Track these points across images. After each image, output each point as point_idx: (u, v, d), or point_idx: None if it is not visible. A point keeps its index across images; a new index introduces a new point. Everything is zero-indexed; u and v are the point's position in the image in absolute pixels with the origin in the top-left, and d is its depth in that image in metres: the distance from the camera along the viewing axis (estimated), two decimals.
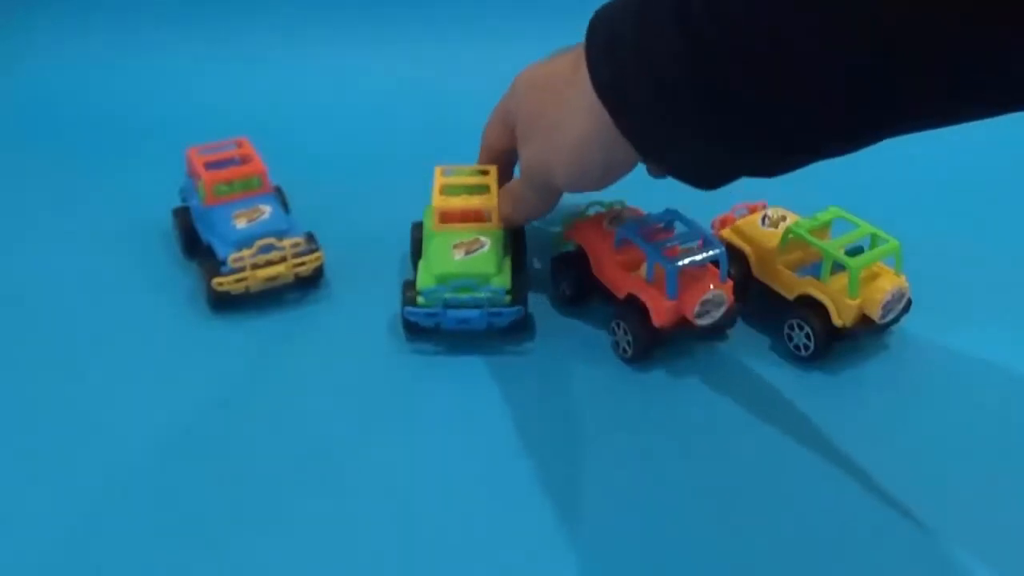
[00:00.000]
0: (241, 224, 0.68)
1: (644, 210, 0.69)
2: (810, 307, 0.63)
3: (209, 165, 0.71)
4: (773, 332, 0.66)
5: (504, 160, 0.69)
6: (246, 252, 0.66)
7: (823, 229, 0.67)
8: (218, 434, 0.59)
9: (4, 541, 0.52)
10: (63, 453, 0.57)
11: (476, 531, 0.53)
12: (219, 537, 0.52)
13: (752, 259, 0.67)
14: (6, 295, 0.70)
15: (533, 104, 0.60)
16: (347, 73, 0.96)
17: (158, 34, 0.98)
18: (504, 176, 0.69)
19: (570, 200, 0.71)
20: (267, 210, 0.70)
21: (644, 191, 0.70)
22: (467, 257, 0.65)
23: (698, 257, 0.62)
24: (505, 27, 0.97)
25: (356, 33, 0.98)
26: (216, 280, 0.66)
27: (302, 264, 0.68)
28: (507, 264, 0.66)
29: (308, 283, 0.70)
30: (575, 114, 0.54)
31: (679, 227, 0.66)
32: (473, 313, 0.64)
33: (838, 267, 0.63)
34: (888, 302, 0.62)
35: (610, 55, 0.49)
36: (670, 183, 0.69)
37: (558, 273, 0.70)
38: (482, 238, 0.66)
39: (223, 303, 0.67)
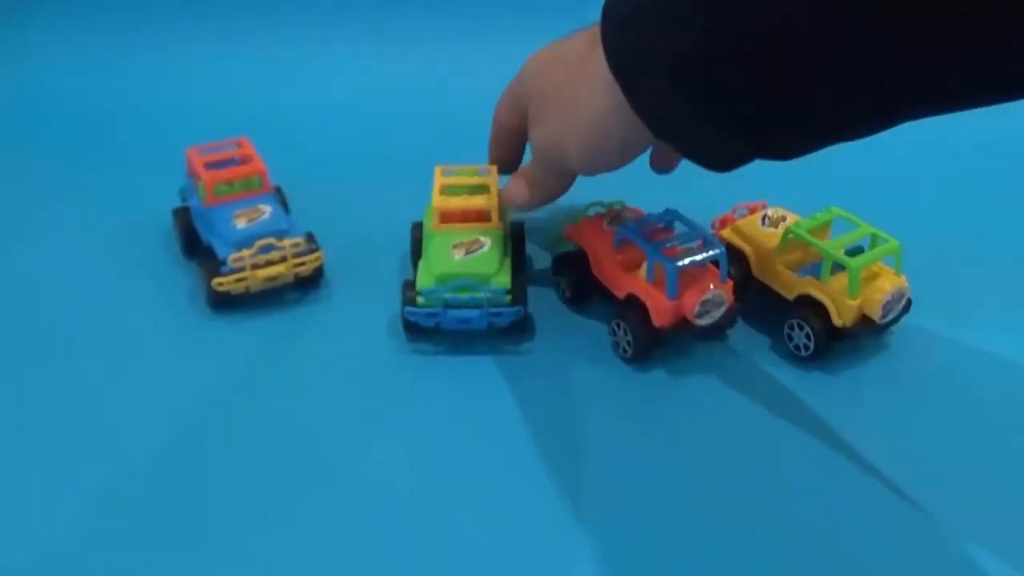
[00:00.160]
0: (241, 224, 0.68)
1: (644, 210, 0.69)
2: (810, 307, 0.63)
3: (209, 165, 0.71)
4: (773, 332, 0.66)
5: (516, 142, 0.68)
6: (246, 252, 0.66)
7: (823, 229, 0.67)
8: (218, 434, 0.59)
9: (4, 541, 0.52)
10: (63, 453, 0.57)
11: (476, 531, 0.53)
12: (219, 537, 0.52)
13: (752, 259, 0.67)
14: (6, 295, 0.70)
15: (547, 83, 0.59)
16: (347, 73, 0.96)
17: (158, 34, 0.98)
18: (515, 157, 0.68)
19: (570, 200, 0.71)
20: (267, 210, 0.70)
21: (644, 191, 0.70)
22: (467, 257, 0.65)
23: (698, 257, 0.62)
24: (505, 27, 0.97)
25: (356, 33, 0.98)
26: (216, 280, 0.66)
27: (302, 264, 0.68)
28: (507, 264, 0.66)
29: (308, 283, 0.70)
30: (591, 93, 0.53)
31: (679, 227, 0.66)
32: (473, 313, 0.64)
33: (838, 267, 0.63)
34: (888, 302, 0.62)
35: (624, 32, 0.48)
36: (670, 183, 0.70)
37: (558, 273, 0.70)
38: (482, 238, 0.66)
39: (223, 303, 0.67)
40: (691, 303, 0.61)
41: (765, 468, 0.57)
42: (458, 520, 0.53)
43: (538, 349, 0.66)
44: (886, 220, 0.66)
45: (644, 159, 0.87)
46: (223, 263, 0.67)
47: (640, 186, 0.69)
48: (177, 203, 0.74)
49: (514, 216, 0.72)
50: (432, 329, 0.65)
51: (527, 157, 0.67)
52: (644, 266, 0.63)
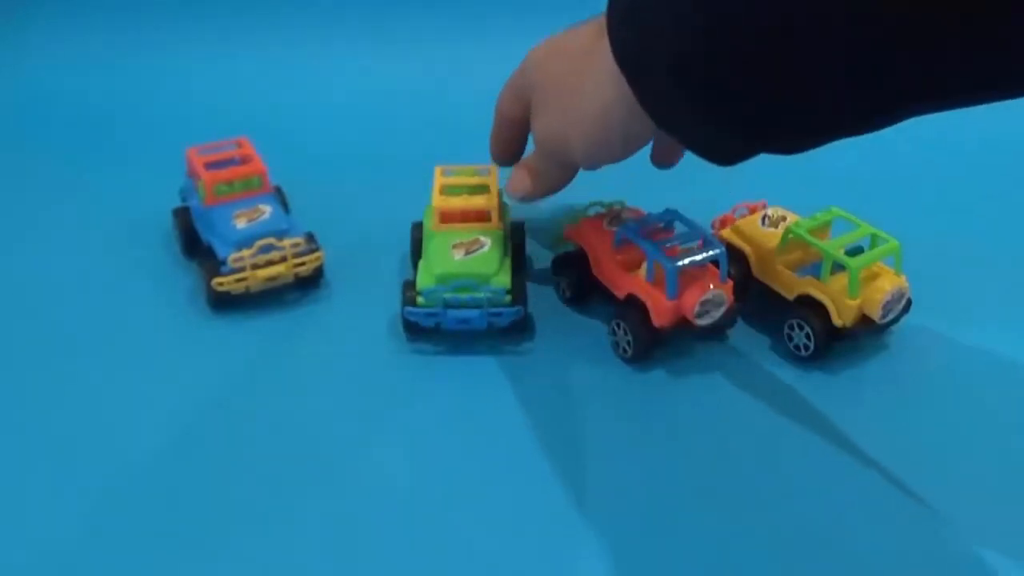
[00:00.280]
0: (241, 224, 0.68)
1: (644, 210, 0.69)
2: (810, 307, 0.63)
3: (209, 165, 0.71)
4: (773, 332, 0.66)
5: (518, 134, 0.67)
6: (246, 252, 0.66)
7: (823, 229, 0.67)
8: (218, 434, 0.59)
9: (4, 541, 0.52)
10: (63, 452, 0.57)
11: (476, 531, 0.53)
12: (219, 537, 0.52)
13: (752, 259, 0.67)
14: (6, 295, 0.70)
15: (551, 74, 0.58)
16: (347, 73, 0.96)
17: (158, 34, 0.98)
18: (517, 149, 0.67)
19: (570, 200, 0.71)
20: (267, 210, 0.70)
21: (644, 191, 0.70)
22: (467, 257, 0.65)
23: (698, 257, 0.62)
24: (505, 27, 0.97)
25: (356, 33, 0.98)
26: (216, 280, 0.66)
27: (302, 264, 0.68)
28: (507, 264, 0.66)
29: (308, 283, 0.70)
30: (595, 84, 0.52)
31: (679, 227, 0.66)
32: (473, 313, 0.64)
33: (838, 267, 0.63)
34: (888, 302, 0.62)
35: (630, 24, 0.47)
36: (670, 183, 0.70)
37: (558, 273, 0.70)
38: (482, 238, 0.66)
39: (223, 303, 0.67)
40: (691, 303, 0.61)
41: (765, 468, 0.57)
42: (458, 520, 0.53)
43: (538, 349, 0.66)
44: (886, 220, 0.66)
45: (645, 157, 0.88)
46: (223, 263, 0.67)
47: (640, 186, 0.69)
48: (177, 203, 0.74)
49: (514, 216, 0.72)
50: (432, 329, 0.65)
51: (530, 149, 0.67)
52: (644, 266, 0.63)
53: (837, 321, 0.62)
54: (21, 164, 0.87)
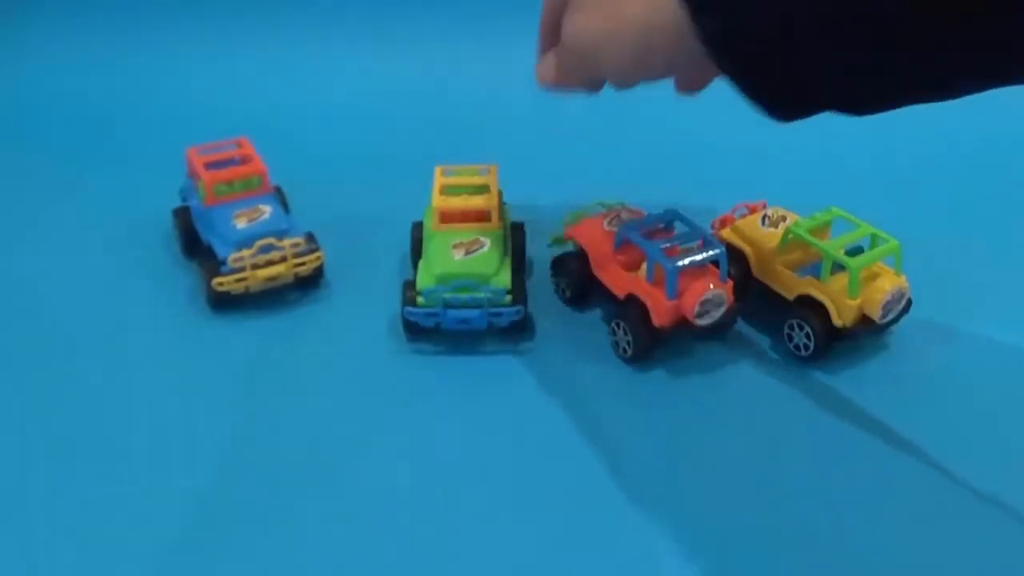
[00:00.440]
0: (241, 224, 0.68)
1: (644, 210, 0.69)
2: (810, 307, 0.63)
3: (209, 165, 0.71)
4: (773, 332, 0.66)
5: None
6: (246, 252, 0.66)
7: (823, 229, 0.67)
8: (218, 433, 0.59)
9: (4, 540, 0.52)
10: (62, 452, 0.57)
11: (476, 530, 0.53)
12: (219, 536, 0.52)
13: (752, 259, 0.67)
14: (6, 295, 0.70)
15: None
16: (347, 73, 0.96)
17: (158, 34, 0.98)
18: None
19: (570, 200, 0.71)
20: (267, 210, 0.70)
21: (644, 191, 0.71)
22: (467, 257, 0.65)
23: (698, 257, 0.62)
24: (505, 27, 0.97)
25: (356, 33, 0.98)
26: (216, 280, 0.66)
27: (302, 264, 0.68)
28: (507, 264, 0.66)
29: (308, 283, 0.70)
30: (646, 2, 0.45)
31: (679, 227, 0.66)
32: (473, 313, 0.64)
33: (838, 267, 0.63)
34: (888, 302, 0.62)
35: None
36: (670, 183, 0.70)
37: (558, 273, 0.70)
38: (482, 238, 0.66)
39: (223, 303, 0.67)
40: (691, 303, 0.61)
41: (765, 467, 0.57)
42: (458, 520, 0.53)
43: (538, 349, 0.66)
44: (886, 220, 0.66)
45: (645, 160, 0.88)
46: (223, 263, 0.67)
47: (640, 186, 0.69)
48: (177, 203, 0.74)
49: (514, 216, 0.72)
50: (432, 329, 0.65)
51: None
52: (644, 266, 0.63)
53: (837, 321, 0.62)
54: (21, 164, 0.87)
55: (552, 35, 0.58)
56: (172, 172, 0.76)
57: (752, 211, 0.70)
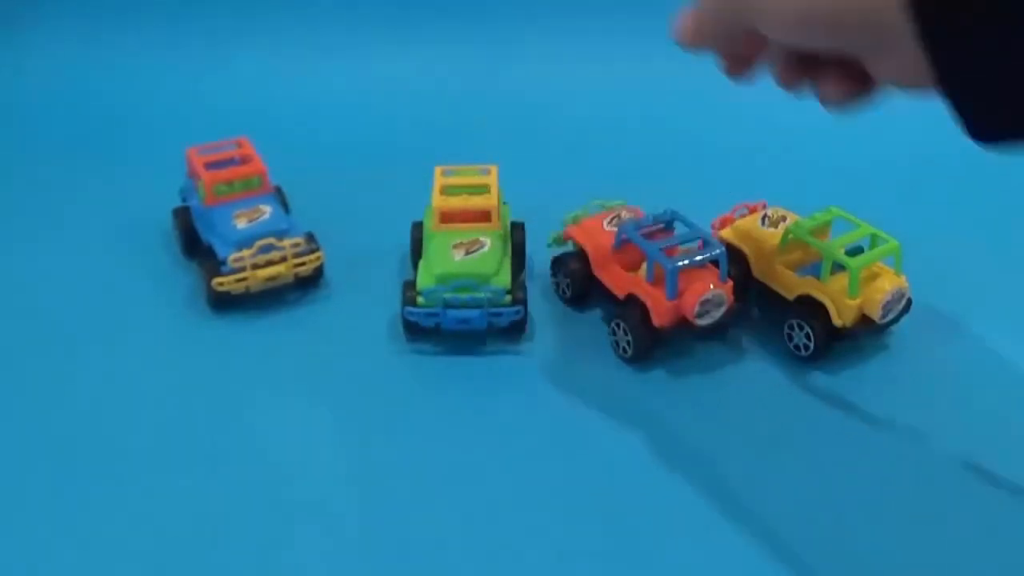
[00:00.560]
0: (241, 224, 0.68)
1: (644, 210, 0.69)
2: (810, 307, 0.63)
3: (209, 165, 0.71)
4: (773, 332, 0.66)
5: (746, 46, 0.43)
6: (246, 252, 0.66)
7: (823, 229, 0.67)
8: (218, 433, 0.59)
9: (3, 540, 0.52)
10: (62, 452, 0.57)
11: (476, 530, 0.53)
12: (218, 535, 0.52)
13: (752, 259, 0.67)
14: (6, 295, 0.70)
15: None
16: (347, 74, 0.96)
17: (158, 34, 0.98)
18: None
19: (570, 200, 0.71)
20: (267, 210, 0.70)
21: (644, 191, 0.71)
22: (467, 257, 0.65)
23: (698, 257, 0.62)
24: (505, 28, 0.97)
25: (356, 34, 0.98)
26: (216, 280, 0.66)
27: (302, 264, 0.68)
28: (507, 264, 0.66)
29: (308, 283, 0.70)
30: None
31: (679, 227, 0.66)
32: (473, 313, 0.64)
33: (838, 267, 0.63)
34: (888, 302, 0.62)
35: None
36: (670, 183, 0.70)
37: (558, 273, 0.70)
38: (482, 238, 0.66)
39: (223, 303, 0.67)
40: (691, 303, 0.61)
41: (765, 467, 0.57)
42: (458, 519, 0.53)
43: (538, 349, 0.66)
44: (886, 220, 0.66)
45: (644, 158, 0.88)
46: (223, 263, 0.66)
47: (640, 186, 0.69)
48: (177, 203, 0.74)
49: (514, 216, 0.72)
50: (432, 329, 0.65)
51: None
52: (644, 266, 0.63)
53: (837, 321, 0.62)
54: (21, 164, 0.87)
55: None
56: (172, 172, 0.76)
57: (752, 211, 0.70)
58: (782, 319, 0.64)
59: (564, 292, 0.69)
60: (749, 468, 0.57)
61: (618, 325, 0.64)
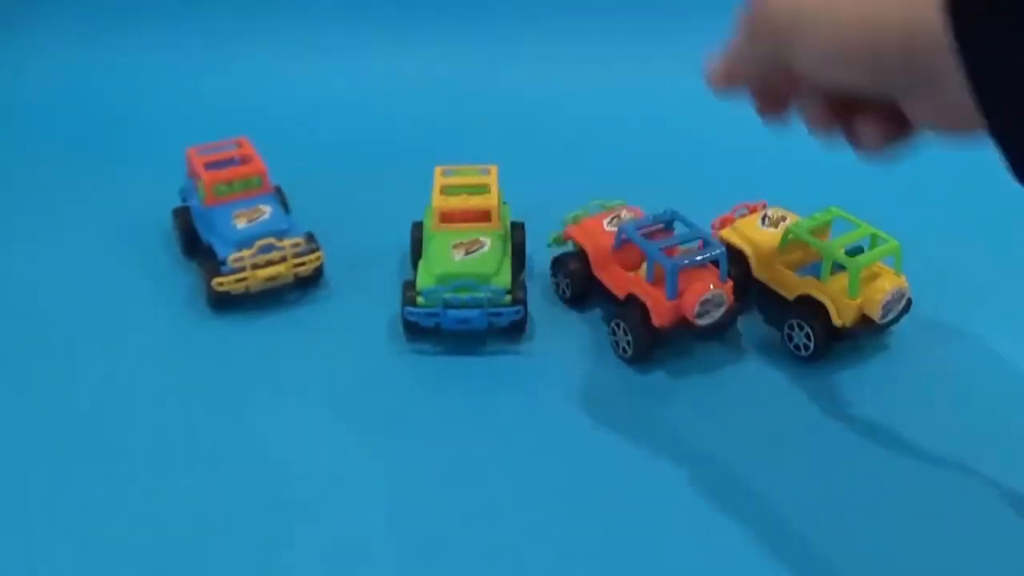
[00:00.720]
0: (241, 224, 0.68)
1: (644, 210, 0.69)
2: (810, 307, 0.63)
3: (209, 165, 0.71)
4: (773, 332, 0.66)
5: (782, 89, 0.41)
6: (246, 252, 0.66)
7: (823, 229, 0.67)
8: (218, 433, 0.59)
9: (4, 540, 0.52)
10: (62, 452, 0.57)
11: (476, 529, 0.53)
12: (218, 536, 0.52)
13: (752, 259, 0.67)
14: (6, 295, 0.70)
15: None
16: (347, 74, 0.96)
17: (158, 34, 0.98)
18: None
19: (570, 200, 0.71)
20: (267, 210, 0.70)
21: (644, 191, 0.70)
22: (467, 257, 0.65)
23: (698, 257, 0.62)
24: (506, 29, 0.97)
25: (356, 34, 0.98)
26: (216, 280, 0.66)
27: (302, 264, 0.68)
28: (507, 264, 0.66)
29: (308, 283, 0.70)
30: None
31: (679, 227, 0.66)
32: (473, 313, 0.64)
33: (838, 267, 0.63)
34: (888, 302, 0.62)
35: None
36: (670, 183, 0.70)
37: (558, 273, 0.70)
38: (482, 238, 0.66)
39: (223, 303, 0.67)
40: (691, 303, 0.61)
41: (765, 467, 0.57)
42: (458, 519, 0.53)
43: (538, 349, 0.66)
44: (886, 220, 0.66)
45: (644, 158, 0.88)
46: (223, 263, 0.66)
47: (640, 186, 0.69)
48: (177, 203, 0.74)
49: (514, 216, 0.72)
50: (432, 329, 0.65)
51: None
52: (644, 266, 0.63)
53: (837, 321, 0.62)
54: (21, 164, 0.87)
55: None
56: (172, 172, 0.76)
57: (752, 211, 0.70)
58: (782, 319, 0.64)
59: (564, 292, 0.69)
60: (749, 468, 0.57)
61: (618, 325, 0.64)
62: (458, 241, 0.66)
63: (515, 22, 0.97)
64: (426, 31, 0.98)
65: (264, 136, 0.76)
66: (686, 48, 0.96)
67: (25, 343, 0.66)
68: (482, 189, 0.69)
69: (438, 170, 0.70)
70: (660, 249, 0.62)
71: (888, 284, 0.62)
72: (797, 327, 0.63)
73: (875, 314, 0.62)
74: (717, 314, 0.63)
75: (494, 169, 0.71)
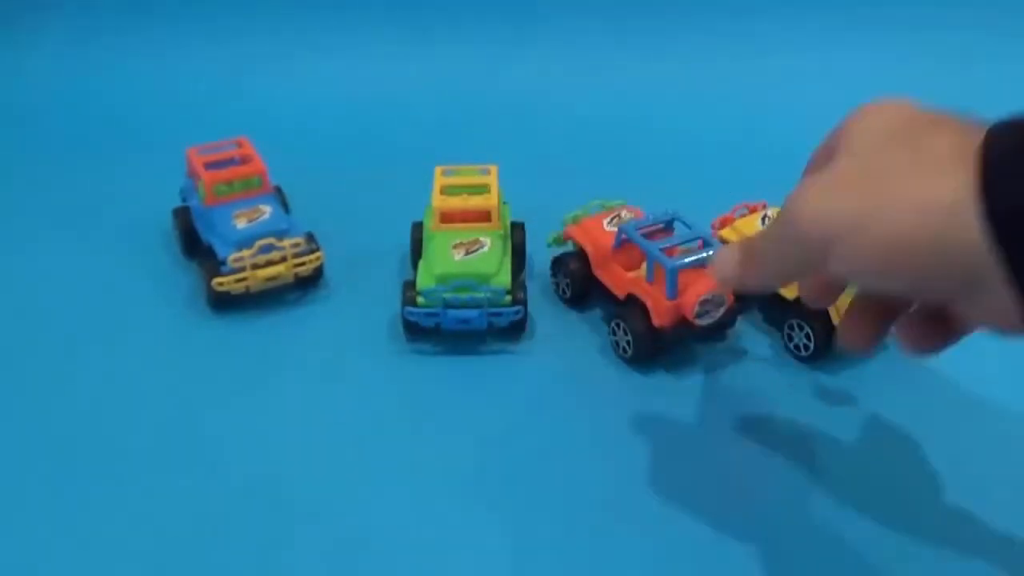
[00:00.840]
0: (241, 224, 0.68)
1: (644, 210, 0.69)
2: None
3: (209, 165, 0.71)
4: (773, 332, 0.66)
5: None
6: (246, 252, 0.66)
7: None
8: (218, 434, 0.59)
9: (3, 540, 0.52)
10: (62, 452, 0.57)
11: (476, 530, 0.53)
12: (218, 536, 0.52)
13: None
14: (6, 295, 0.70)
15: (873, 130, 0.37)
16: (347, 73, 0.96)
17: (158, 34, 0.98)
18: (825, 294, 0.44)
19: (570, 200, 0.71)
20: (267, 210, 0.70)
21: (644, 191, 0.70)
22: (467, 257, 0.65)
23: (698, 257, 0.62)
24: (506, 29, 0.97)
25: (357, 34, 0.98)
26: (216, 280, 0.66)
27: (302, 264, 0.68)
28: (507, 264, 0.66)
29: (308, 283, 0.70)
30: (945, 185, 0.32)
31: (679, 227, 0.66)
32: (473, 313, 0.64)
33: None
34: None
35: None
36: (670, 183, 0.70)
37: (558, 273, 0.70)
38: (482, 238, 0.66)
39: (223, 303, 0.67)
40: (691, 303, 0.61)
41: (764, 468, 0.57)
42: (458, 519, 0.53)
43: (538, 349, 0.66)
44: None
45: (643, 155, 0.88)
46: (223, 263, 0.67)
47: (640, 186, 0.69)
48: (177, 203, 0.74)
49: (514, 216, 0.72)
50: (432, 329, 0.65)
51: None
52: (644, 266, 0.63)
53: (837, 321, 0.62)
54: (21, 164, 0.87)
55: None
56: (172, 172, 0.76)
57: (752, 211, 0.70)
58: (782, 319, 0.64)
59: (564, 292, 0.69)
60: (749, 468, 0.57)
61: (618, 325, 0.64)
62: (458, 241, 0.66)
63: (515, 22, 0.97)
64: (426, 31, 0.98)
65: (264, 136, 0.76)
66: (686, 48, 0.97)
67: (25, 343, 0.66)
68: (482, 189, 0.69)
69: (438, 170, 0.70)
70: (660, 249, 0.62)
71: None
72: (797, 327, 0.63)
73: None
74: (717, 314, 0.63)
75: (494, 169, 0.71)
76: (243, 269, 0.66)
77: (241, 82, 0.96)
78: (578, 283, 0.68)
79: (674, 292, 0.61)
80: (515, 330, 0.65)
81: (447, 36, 0.98)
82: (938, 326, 0.39)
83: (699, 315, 0.62)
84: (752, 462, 0.57)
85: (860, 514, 0.54)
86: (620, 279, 0.65)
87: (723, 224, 0.71)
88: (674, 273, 0.61)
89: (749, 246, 0.42)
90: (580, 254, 0.68)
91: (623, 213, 0.70)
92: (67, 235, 0.77)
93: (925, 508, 0.54)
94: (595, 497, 0.55)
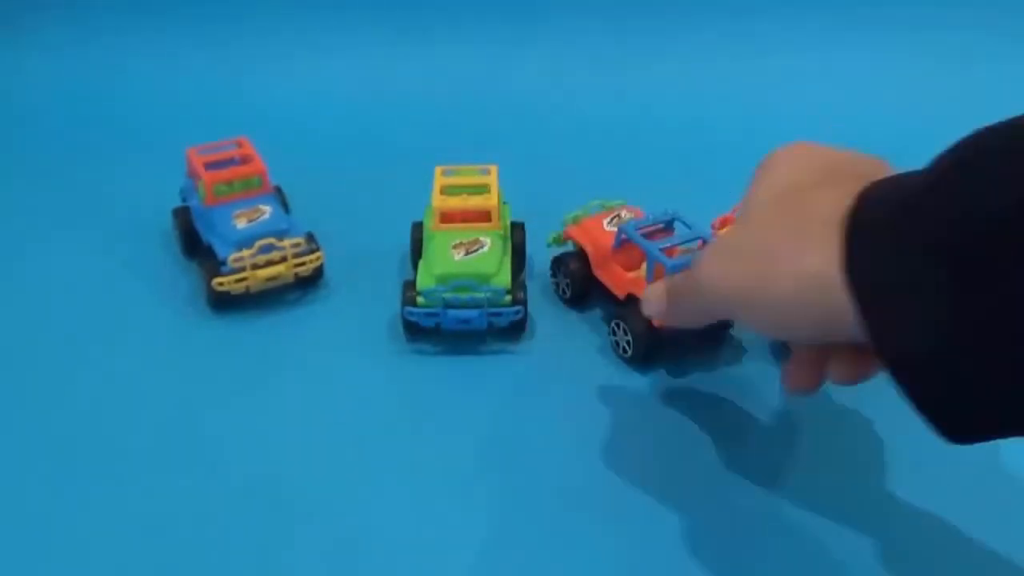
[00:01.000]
0: (241, 224, 0.68)
1: (644, 210, 0.69)
2: None
3: (209, 165, 0.71)
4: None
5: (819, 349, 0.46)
6: (246, 252, 0.66)
7: None
8: (218, 434, 0.59)
9: (4, 540, 0.52)
10: (62, 452, 0.57)
11: (476, 530, 0.53)
12: (219, 536, 0.52)
13: None
14: (6, 295, 0.70)
15: (769, 216, 0.44)
16: (347, 73, 0.96)
17: (158, 34, 0.98)
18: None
19: (570, 200, 0.71)
20: (267, 210, 0.70)
21: (644, 191, 0.70)
22: (467, 257, 0.65)
23: None
24: (507, 29, 0.97)
25: (357, 33, 0.98)
26: (216, 280, 0.66)
27: (302, 264, 0.68)
28: (507, 264, 0.66)
29: (308, 283, 0.70)
30: (813, 251, 0.38)
31: (679, 227, 0.66)
32: (473, 313, 0.64)
33: None
34: None
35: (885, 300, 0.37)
36: (670, 183, 0.70)
37: (558, 273, 0.70)
38: (482, 238, 0.66)
39: (223, 303, 0.67)
40: None
41: (764, 468, 0.57)
42: (458, 519, 0.53)
43: (538, 349, 0.66)
44: None
45: (643, 155, 0.88)
46: (223, 263, 0.67)
47: (640, 186, 0.69)
48: (177, 203, 0.75)
49: (514, 216, 0.72)
50: (432, 329, 0.65)
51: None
52: (644, 266, 0.63)
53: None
54: (21, 164, 0.87)
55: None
56: (172, 172, 0.76)
57: None
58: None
59: (564, 292, 0.69)
60: (749, 468, 0.57)
61: (618, 325, 0.64)
62: (458, 241, 0.66)
63: (515, 22, 0.97)
64: (426, 31, 0.98)
65: (264, 136, 0.76)
66: (686, 48, 0.97)
67: (25, 343, 0.66)
68: (482, 189, 0.69)
69: (438, 170, 0.70)
70: (660, 249, 0.62)
71: None
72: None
73: None
74: None
75: (494, 169, 0.71)
76: (243, 269, 0.66)
77: (241, 82, 0.96)
78: (578, 283, 0.68)
79: None
80: (515, 330, 0.65)
81: (447, 36, 0.98)
82: (861, 359, 0.44)
83: None
84: (752, 462, 0.57)
85: (860, 513, 0.54)
86: (620, 279, 0.65)
87: (723, 224, 0.71)
88: (674, 273, 0.61)
89: (672, 289, 0.49)
90: (580, 254, 0.68)
91: (623, 213, 0.70)
92: (67, 235, 0.77)
93: (925, 508, 0.54)
94: (595, 497, 0.55)
